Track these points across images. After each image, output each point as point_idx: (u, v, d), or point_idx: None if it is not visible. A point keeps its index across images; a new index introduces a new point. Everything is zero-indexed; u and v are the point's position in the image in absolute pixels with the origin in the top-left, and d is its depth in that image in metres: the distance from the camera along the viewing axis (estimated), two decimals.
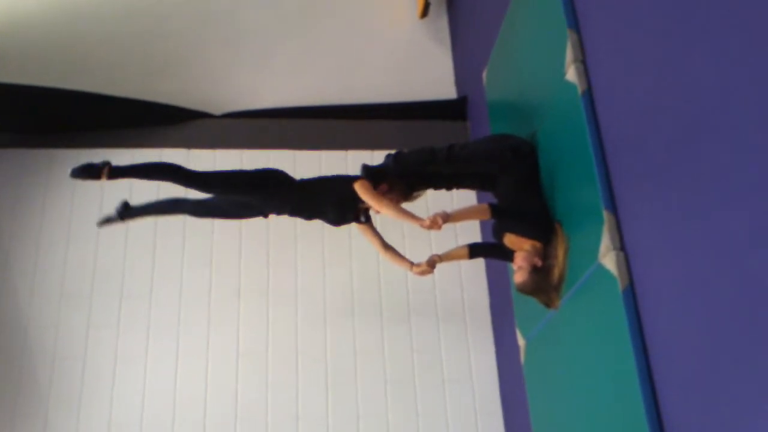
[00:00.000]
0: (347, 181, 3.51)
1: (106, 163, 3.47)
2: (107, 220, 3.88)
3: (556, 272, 3.24)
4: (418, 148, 3.70)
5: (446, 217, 3.25)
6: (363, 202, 3.47)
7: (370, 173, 3.57)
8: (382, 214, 3.46)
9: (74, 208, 5.02)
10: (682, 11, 2.31)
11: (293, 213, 3.64)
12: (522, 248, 3.36)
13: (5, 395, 4.48)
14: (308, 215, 3.65)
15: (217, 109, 5.49)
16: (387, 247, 3.70)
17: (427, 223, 3.22)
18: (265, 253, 4.99)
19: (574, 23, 3.21)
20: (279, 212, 3.65)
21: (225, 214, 3.78)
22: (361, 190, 3.41)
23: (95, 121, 5.29)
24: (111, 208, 4.98)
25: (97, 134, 5.26)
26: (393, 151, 3.70)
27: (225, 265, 4.93)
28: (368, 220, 3.65)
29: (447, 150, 3.60)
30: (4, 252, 4.85)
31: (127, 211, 3.80)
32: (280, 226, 4.97)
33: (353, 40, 5.90)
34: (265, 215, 3.71)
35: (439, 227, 3.24)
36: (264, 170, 3.61)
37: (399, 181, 3.55)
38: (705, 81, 2.18)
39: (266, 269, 4.94)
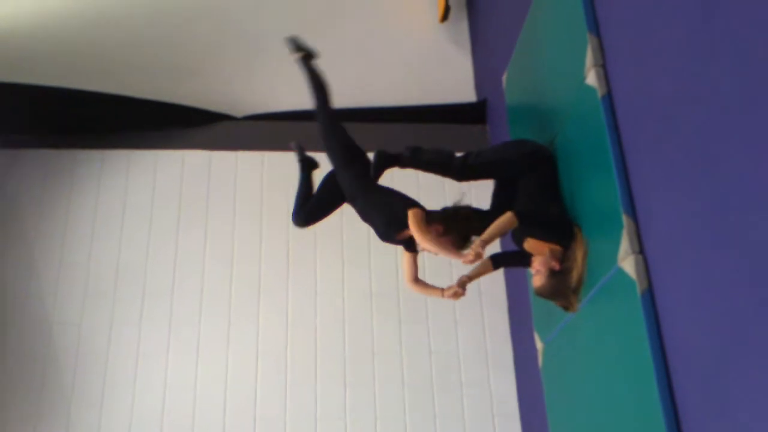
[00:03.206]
0: (405, 203, 3.48)
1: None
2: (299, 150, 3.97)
3: (575, 275, 3.23)
4: (438, 148, 3.71)
5: (484, 243, 3.22)
6: (405, 229, 3.45)
7: (383, 157, 3.62)
8: (423, 247, 3.41)
9: (98, 207, 5.09)
10: (702, 14, 2.31)
11: (349, 201, 3.68)
12: (541, 253, 3.36)
13: (29, 391, 4.56)
14: (361, 215, 3.66)
15: (239, 112, 5.55)
16: (417, 279, 3.66)
17: (471, 257, 3.18)
18: (285, 252, 5.03)
19: (595, 27, 3.21)
20: (343, 192, 3.69)
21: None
22: (412, 218, 3.38)
23: (119, 122, 5.37)
24: (134, 207, 5.09)
25: (120, 135, 5.34)
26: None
27: (246, 264, 4.98)
28: (416, 251, 3.59)
29: (462, 159, 3.61)
30: (29, 250, 4.93)
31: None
32: None
33: (374, 44, 5.93)
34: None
35: (482, 257, 3.22)
36: (358, 151, 3.67)
37: (454, 227, 3.49)
38: (725, 84, 2.18)
39: (286, 269, 4.99)
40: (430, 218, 3.46)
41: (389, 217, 3.49)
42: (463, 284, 3.58)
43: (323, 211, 3.81)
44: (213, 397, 4.63)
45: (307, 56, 3.80)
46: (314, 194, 3.81)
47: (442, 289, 3.61)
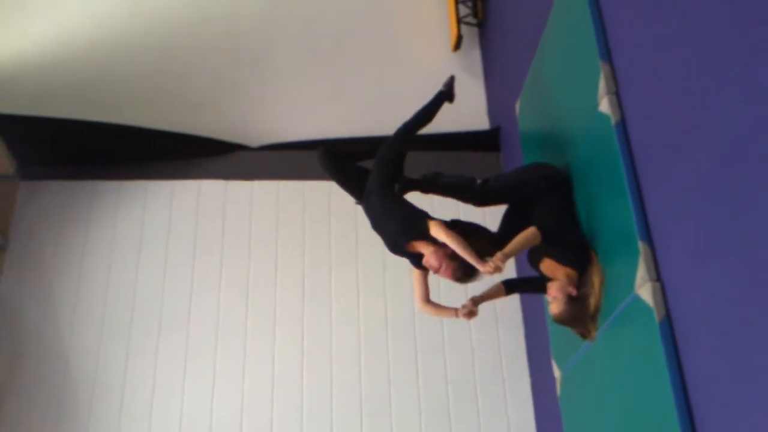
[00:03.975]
0: (423, 215, 3.44)
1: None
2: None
3: (592, 302, 3.21)
4: (458, 173, 3.72)
5: (505, 257, 3.18)
6: (420, 239, 3.38)
7: (405, 181, 3.64)
8: (428, 262, 3.37)
9: (115, 238, 5.14)
10: (715, 41, 2.32)
11: (364, 199, 3.64)
12: (556, 276, 3.34)
13: (47, 421, 4.57)
14: (372, 220, 3.62)
15: (254, 142, 5.60)
16: (428, 300, 3.59)
17: (490, 268, 3.14)
18: (300, 282, 5.04)
19: (607, 55, 3.23)
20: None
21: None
22: (435, 226, 3.30)
23: (136, 153, 5.44)
24: (151, 237, 5.13)
25: (137, 166, 5.40)
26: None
27: (261, 294, 4.99)
28: (425, 268, 3.52)
29: (481, 185, 3.63)
30: (47, 281, 4.97)
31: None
32: (316, 256, 5.05)
33: (387, 73, 5.98)
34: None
35: (501, 270, 3.17)
36: (400, 166, 3.68)
37: (472, 242, 3.40)
38: (740, 110, 2.18)
39: (301, 299, 4.99)
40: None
41: (403, 224, 3.41)
42: (476, 303, 3.50)
43: (345, 176, 3.78)
44: (229, 427, 4.61)
45: (445, 93, 4.00)
46: (353, 165, 3.82)
47: (456, 309, 3.51)
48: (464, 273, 3.35)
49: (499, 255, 3.18)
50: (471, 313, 3.48)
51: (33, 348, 4.77)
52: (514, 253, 3.25)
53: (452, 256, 3.30)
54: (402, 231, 3.42)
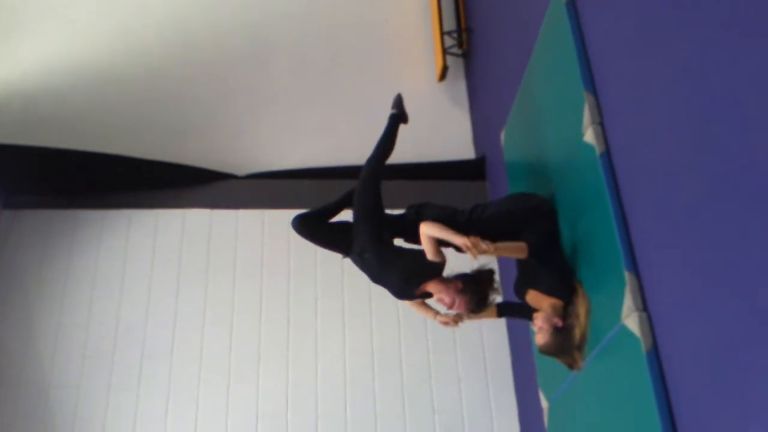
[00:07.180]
0: (416, 257, 3.43)
1: None
2: None
3: (578, 332, 3.21)
4: (442, 205, 3.72)
5: (489, 246, 3.16)
6: (428, 281, 3.39)
7: (392, 233, 3.60)
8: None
9: (98, 268, 5.08)
10: (700, 70, 2.34)
11: (356, 255, 3.59)
12: (542, 307, 3.34)
13: None
14: (371, 275, 3.60)
15: (241, 170, 5.58)
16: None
17: (470, 243, 3.14)
18: (285, 314, 4.99)
19: (591, 85, 3.26)
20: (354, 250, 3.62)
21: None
22: (424, 228, 3.33)
23: (121, 182, 5.41)
24: (134, 267, 5.08)
25: (122, 195, 5.37)
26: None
27: (245, 327, 4.93)
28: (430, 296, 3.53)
29: (468, 213, 3.62)
30: (28, 312, 4.89)
31: None
32: (300, 287, 5.01)
33: (373, 102, 6.00)
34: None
35: (480, 249, 3.14)
36: (381, 210, 3.61)
37: (476, 288, 3.43)
38: (726, 140, 2.19)
39: (286, 331, 4.94)
40: (451, 278, 3.42)
41: (407, 274, 3.43)
42: (458, 317, 3.56)
43: (326, 238, 3.72)
44: None
45: (398, 116, 3.88)
46: (332, 223, 3.75)
47: (437, 312, 3.57)
48: (477, 304, 3.39)
49: (488, 241, 3.17)
50: (447, 323, 3.58)
51: (13, 381, 4.67)
52: (498, 251, 3.25)
53: (463, 290, 3.35)
54: (408, 281, 3.44)
